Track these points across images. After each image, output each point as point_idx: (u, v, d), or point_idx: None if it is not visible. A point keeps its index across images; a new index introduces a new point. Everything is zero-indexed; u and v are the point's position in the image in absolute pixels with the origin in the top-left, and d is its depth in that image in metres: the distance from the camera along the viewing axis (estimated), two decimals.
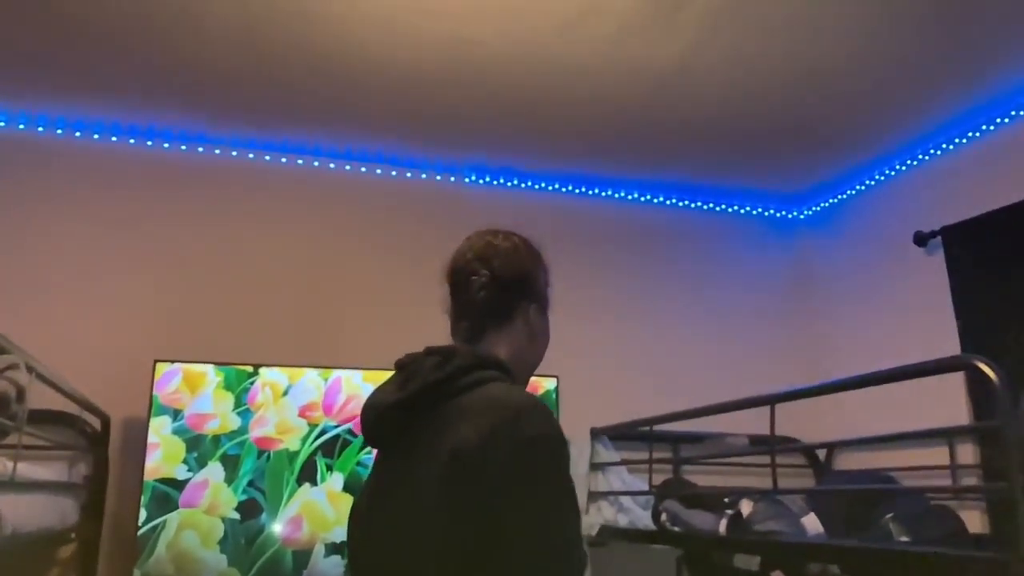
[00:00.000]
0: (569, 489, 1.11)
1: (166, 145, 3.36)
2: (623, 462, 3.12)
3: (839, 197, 3.87)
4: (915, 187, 3.44)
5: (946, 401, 2.90)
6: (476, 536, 1.04)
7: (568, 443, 1.14)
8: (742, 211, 4.07)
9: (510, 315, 1.30)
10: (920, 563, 1.81)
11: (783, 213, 4.12)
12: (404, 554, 1.12)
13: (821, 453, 3.60)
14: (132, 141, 3.32)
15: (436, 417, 1.15)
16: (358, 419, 3.00)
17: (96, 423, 2.91)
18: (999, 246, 2.98)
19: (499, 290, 1.30)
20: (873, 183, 3.66)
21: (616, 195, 3.87)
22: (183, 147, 3.37)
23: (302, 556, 2.89)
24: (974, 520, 2.80)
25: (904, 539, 2.13)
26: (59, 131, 3.25)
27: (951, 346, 3.03)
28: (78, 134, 3.26)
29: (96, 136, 3.28)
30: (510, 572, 1.04)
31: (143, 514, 2.79)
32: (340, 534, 2.92)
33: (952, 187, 3.24)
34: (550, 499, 1.08)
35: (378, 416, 1.21)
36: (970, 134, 3.16)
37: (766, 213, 4.10)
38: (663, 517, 2.64)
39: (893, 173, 3.54)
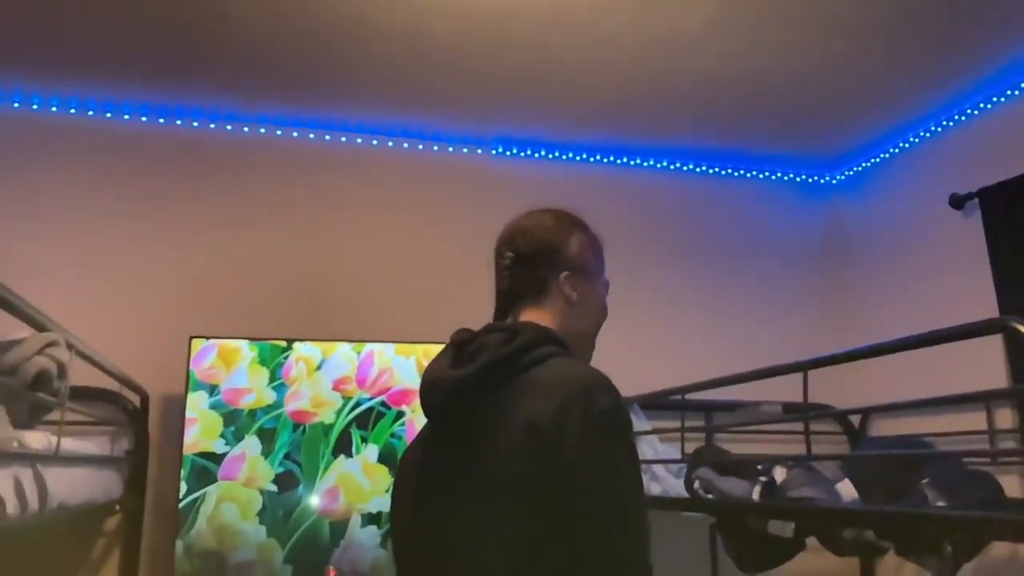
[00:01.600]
0: (635, 461, 1.17)
1: (195, 123, 3.39)
2: (655, 431, 3.12)
3: (873, 160, 3.80)
4: (951, 149, 3.36)
5: (984, 365, 2.85)
6: (551, 504, 1.09)
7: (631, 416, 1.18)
8: (774, 177, 4.02)
9: (544, 289, 1.32)
10: (956, 526, 1.80)
11: (815, 178, 4.06)
12: (473, 524, 1.16)
13: (856, 420, 3.57)
14: (162, 120, 3.35)
15: (504, 392, 1.17)
16: (391, 391, 3.06)
17: (135, 399, 2.98)
18: None
19: (525, 267, 1.33)
20: (907, 145, 3.59)
21: (645, 164, 3.84)
22: (211, 125, 3.40)
23: (339, 527, 2.94)
24: (1013, 485, 2.77)
25: (940, 504, 2.10)
26: (90, 112, 3.29)
27: (989, 310, 2.97)
28: (109, 115, 3.30)
29: (127, 116, 3.32)
30: (583, 540, 1.08)
31: (183, 487, 2.86)
32: (376, 504, 2.96)
33: (989, 148, 3.16)
34: (619, 471, 1.13)
35: (450, 391, 1.23)
36: (1008, 92, 3.08)
37: (798, 178, 4.04)
38: (696, 485, 2.64)
39: (928, 135, 3.47)
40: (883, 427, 3.49)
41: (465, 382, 1.21)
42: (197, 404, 2.94)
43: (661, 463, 3.01)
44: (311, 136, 3.51)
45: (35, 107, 3.23)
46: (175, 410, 3.00)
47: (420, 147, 3.62)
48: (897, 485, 2.30)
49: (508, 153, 3.71)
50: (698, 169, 3.92)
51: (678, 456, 2.84)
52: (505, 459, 1.13)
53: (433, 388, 1.26)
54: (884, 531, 2.35)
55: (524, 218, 1.39)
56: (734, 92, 3.18)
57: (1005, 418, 2.93)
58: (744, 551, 2.72)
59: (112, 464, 2.65)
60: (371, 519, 2.96)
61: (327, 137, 3.52)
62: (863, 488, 2.37)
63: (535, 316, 1.31)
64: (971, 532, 2.02)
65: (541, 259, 1.33)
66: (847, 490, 2.38)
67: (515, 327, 1.25)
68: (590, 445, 1.10)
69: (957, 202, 3.21)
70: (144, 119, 3.34)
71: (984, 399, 2.85)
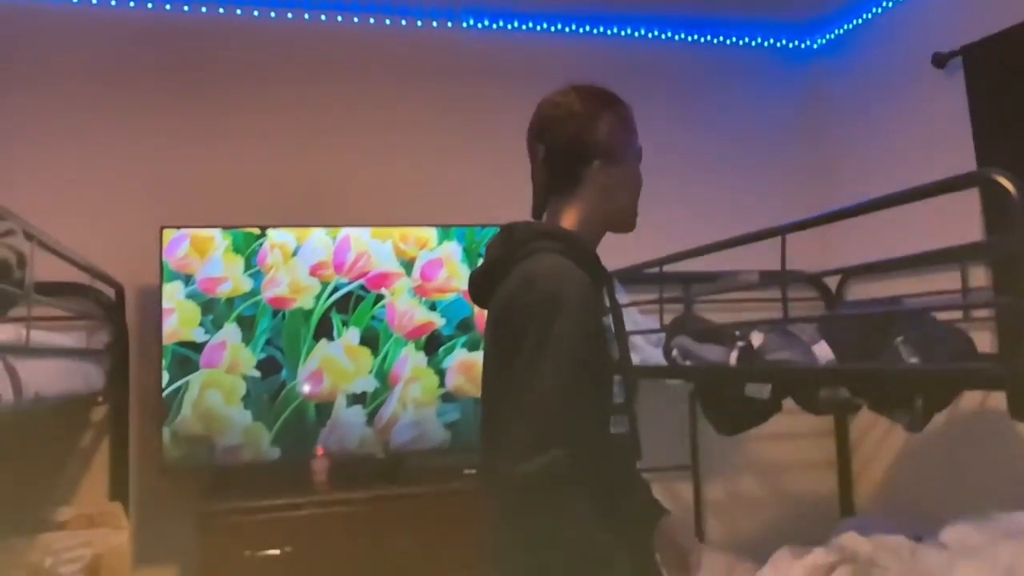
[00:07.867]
0: (565, 342, 1.21)
1: (150, 6, 3.22)
2: (633, 303, 3.12)
3: (854, 23, 3.68)
4: (934, 5, 3.25)
5: (961, 228, 2.84)
6: (506, 376, 1.27)
7: (578, 304, 1.23)
8: (752, 43, 3.89)
9: (576, 181, 1.39)
10: (926, 379, 1.83)
11: (795, 43, 3.94)
12: (487, 385, 1.40)
13: (833, 285, 3.59)
14: (114, 3, 3.18)
15: (500, 284, 1.35)
16: (369, 275, 3.04)
17: (110, 292, 2.95)
18: (1022, 63, 2.84)
19: (557, 162, 1.39)
20: (890, 5, 3.47)
21: (622, 32, 3.70)
22: (168, 7, 3.23)
23: (325, 408, 2.97)
24: (984, 341, 2.81)
25: (913, 360, 2.14)
26: None
27: (968, 168, 2.94)
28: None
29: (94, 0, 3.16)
30: (512, 410, 1.24)
31: (166, 376, 2.86)
32: (360, 385, 3.00)
33: (973, 3, 3.06)
34: (543, 350, 1.21)
35: (470, 288, 1.48)
36: None
37: (778, 44, 3.92)
38: (674, 353, 2.67)
39: None
40: (861, 292, 3.51)
41: (474, 282, 1.44)
42: (173, 294, 2.91)
43: (639, 333, 3.02)
44: (272, 15, 3.34)
45: None
46: (151, 301, 2.97)
47: (388, 22, 3.47)
48: (872, 345, 2.32)
49: (479, 25, 3.56)
50: (676, 37, 3.78)
51: (657, 327, 2.86)
52: (489, 343, 1.37)
53: (469, 283, 1.48)
54: (859, 389, 2.40)
55: (551, 106, 1.42)
56: None
57: (980, 277, 2.95)
58: (722, 415, 2.79)
59: (91, 356, 2.64)
60: (356, 399, 3.00)
61: (289, 15, 3.36)
62: (839, 349, 2.40)
63: (568, 208, 1.39)
64: (940, 385, 2.06)
65: (572, 153, 1.39)
66: (823, 351, 2.41)
67: (511, 227, 1.38)
68: (522, 325, 1.23)
69: (940, 60, 3.13)
70: (113, 2, 3.17)
71: (959, 257, 2.85)
